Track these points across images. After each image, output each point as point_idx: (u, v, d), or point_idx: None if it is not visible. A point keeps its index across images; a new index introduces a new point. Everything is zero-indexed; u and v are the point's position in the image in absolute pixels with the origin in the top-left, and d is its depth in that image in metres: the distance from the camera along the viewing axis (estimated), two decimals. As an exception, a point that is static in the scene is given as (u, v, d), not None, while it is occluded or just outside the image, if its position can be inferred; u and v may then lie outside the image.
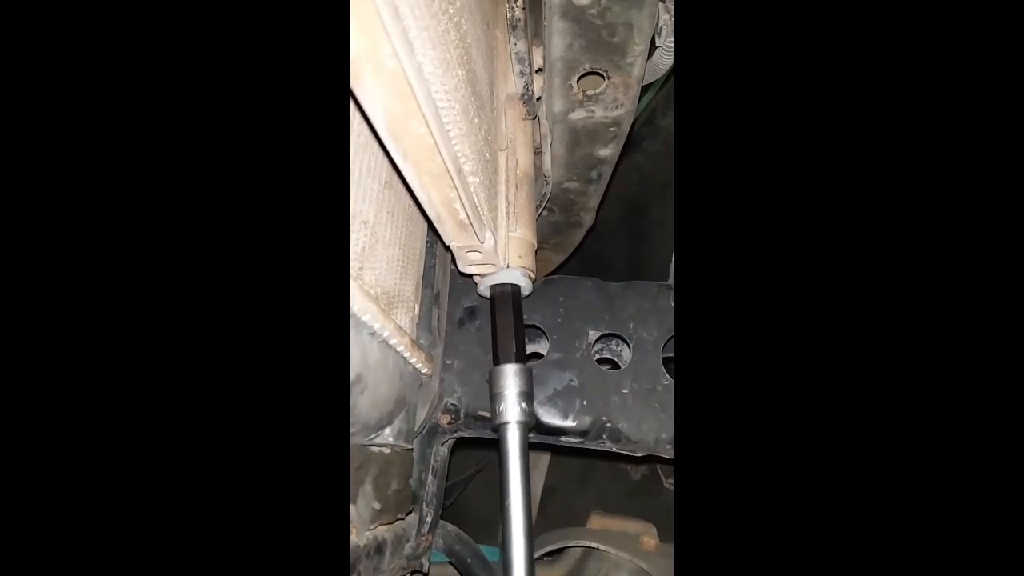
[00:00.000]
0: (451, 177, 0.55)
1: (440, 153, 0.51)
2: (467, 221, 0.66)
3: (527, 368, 0.82)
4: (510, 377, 0.80)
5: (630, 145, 2.40)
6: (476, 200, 0.65)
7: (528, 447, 0.80)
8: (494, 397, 0.81)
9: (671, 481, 1.83)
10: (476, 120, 0.63)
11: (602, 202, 1.28)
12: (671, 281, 1.05)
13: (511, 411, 0.79)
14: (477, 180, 0.64)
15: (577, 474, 2.14)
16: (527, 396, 0.81)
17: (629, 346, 0.95)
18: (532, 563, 0.73)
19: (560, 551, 1.25)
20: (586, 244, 1.65)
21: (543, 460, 2.16)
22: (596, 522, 1.25)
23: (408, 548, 0.90)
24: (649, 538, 1.16)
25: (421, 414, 0.87)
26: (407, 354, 0.77)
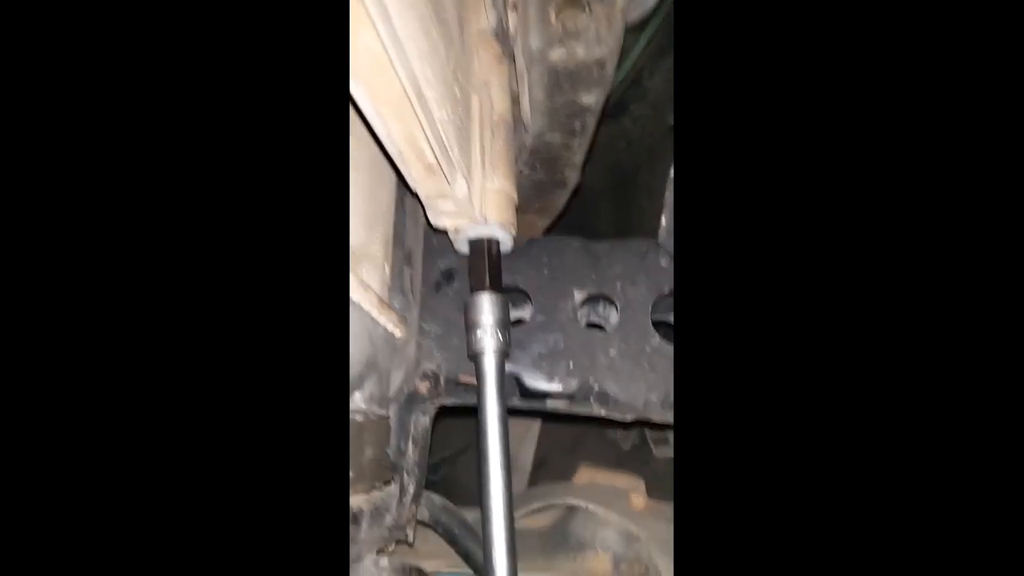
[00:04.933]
0: (411, 104, 0.49)
1: (396, 72, 0.44)
2: (435, 163, 0.60)
3: (503, 298, 0.78)
4: (486, 305, 0.77)
5: (616, 108, 2.32)
6: (444, 138, 0.59)
7: (504, 376, 0.77)
8: (470, 327, 0.77)
9: (660, 449, 1.81)
10: (441, 47, 0.57)
11: (587, 161, 1.22)
12: (660, 239, 1.00)
13: (487, 340, 0.75)
14: (445, 116, 0.58)
15: (567, 445, 2.12)
16: (504, 325, 0.77)
17: (616, 307, 0.90)
18: (510, 500, 0.71)
19: (545, 507, 1.22)
20: (572, 212, 1.59)
21: (533, 430, 2.13)
22: (583, 475, 1.22)
23: (389, 519, 0.86)
24: (638, 496, 1.13)
25: (396, 379, 0.82)
26: (376, 314, 0.72)
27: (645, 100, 2.05)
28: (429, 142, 0.56)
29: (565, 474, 1.57)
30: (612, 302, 0.91)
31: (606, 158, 2.16)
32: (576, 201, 1.54)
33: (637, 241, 0.93)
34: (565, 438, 2.12)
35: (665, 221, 1.03)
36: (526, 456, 2.12)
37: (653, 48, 1.82)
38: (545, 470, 2.06)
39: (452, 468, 2.00)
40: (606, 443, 2.05)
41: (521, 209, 1.28)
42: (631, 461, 1.94)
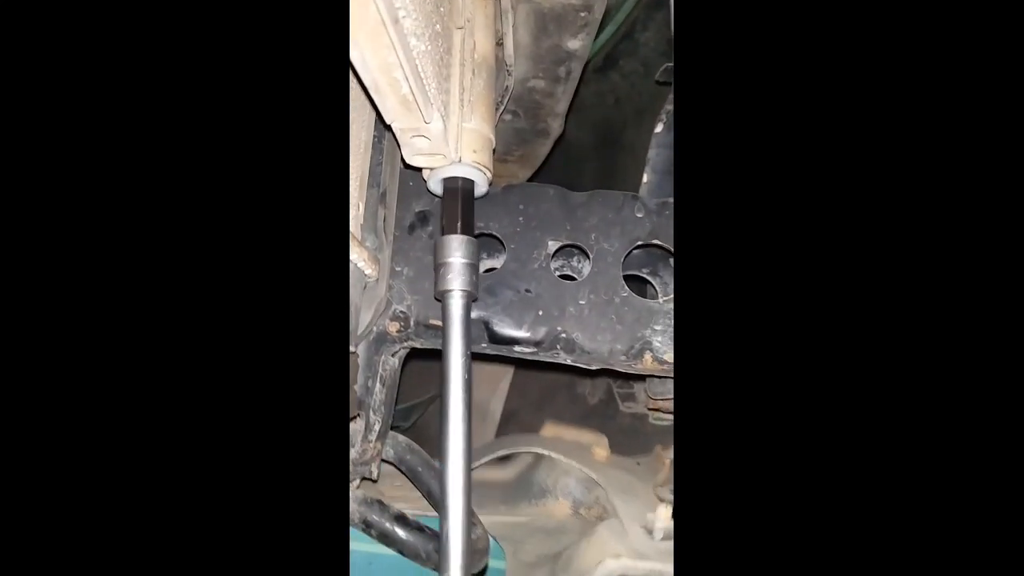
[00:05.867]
0: (387, 31, 0.48)
1: (370, -6, 0.43)
2: (410, 96, 0.59)
3: (474, 240, 0.79)
4: (455, 246, 0.77)
5: (606, 62, 2.28)
6: (421, 71, 0.57)
7: (469, 317, 0.78)
8: (438, 268, 0.78)
9: (627, 405, 1.86)
10: (421, -26, 0.55)
11: (571, 111, 1.20)
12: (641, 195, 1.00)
13: (455, 280, 0.76)
14: (423, 47, 0.56)
15: (535, 399, 2.16)
16: (472, 268, 0.78)
17: (589, 257, 0.91)
18: (469, 434, 0.73)
19: (511, 455, 1.26)
20: (556, 168, 1.58)
21: (503, 383, 2.16)
22: (549, 430, 1.26)
23: (354, 453, 0.88)
24: (600, 449, 1.17)
25: (365, 317, 0.83)
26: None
27: (636, 56, 2.01)
28: (405, 73, 0.55)
29: (533, 427, 1.61)
30: (585, 253, 0.91)
31: (593, 114, 2.13)
32: (560, 157, 1.52)
33: (615, 193, 0.93)
34: (534, 392, 2.15)
35: (647, 177, 1.03)
36: (495, 408, 2.16)
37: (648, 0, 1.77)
38: (514, 422, 2.11)
39: (424, 416, 2.03)
40: (574, 398, 2.09)
41: (501, 158, 1.27)
42: (597, 416, 1.99)
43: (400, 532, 0.86)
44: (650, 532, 0.84)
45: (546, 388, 2.12)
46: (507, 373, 2.17)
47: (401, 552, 0.87)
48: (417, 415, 1.94)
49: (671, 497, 0.89)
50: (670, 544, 0.82)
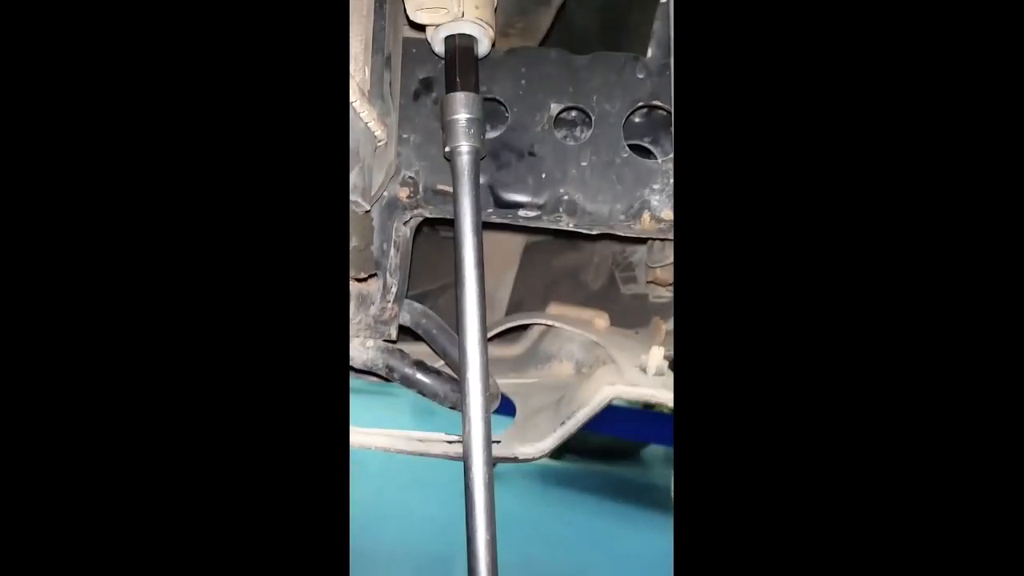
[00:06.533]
0: None
1: None
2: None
3: (479, 97, 0.81)
4: (461, 103, 0.80)
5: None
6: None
7: (478, 172, 0.81)
8: (446, 125, 0.81)
9: (628, 287, 1.94)
10: None
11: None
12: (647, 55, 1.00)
13: (463, 135, 0.79)
14: None
15: (540, 289, 2.24)
16: (479, 123, 0.81)
17: (591, 118, 0.93)
18: (482, 283, 0.79)
19: (520, 332, 1.35)
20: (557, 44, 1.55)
21: (509, 275, 2.23)
22: (554, 309, 1.34)
23: (374, 309, 0.95)
24: (601, 320, 1.25)
25: (378, 178, 0.87)
26: (357, 106, 0.74)
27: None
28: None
29: (538, 311, 1.70)
30: (587, 114, 0.94)
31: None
32: (565, 43, 1.49)
33: (617, 55, 0.94)
34: (539, 282, 2.23)
35: (651, 52, 1.03)
36: (502, 296, 2.25)
37: None
38: (520, 309, 2.20)
39: (435, 303, 2.11)
40: (578, 286, 2.17)
41: (503, 31, 1.25)
42: (600, 299, 2.08)
43: (420, 375, 0.95)
44: (644, 370, 0.93)
45: (551, 277, 2.20)
46: (513, 264, 2.24)
47: (422, 392, 0.96)
48: (429, 302, 2.03)
49: (666, 344, 0.97)
50: (662, 377, 0.90)
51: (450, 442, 1.01)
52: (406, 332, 1.05)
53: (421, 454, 1.00)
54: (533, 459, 0.97)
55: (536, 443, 0.96)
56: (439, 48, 0.84)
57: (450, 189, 0.87)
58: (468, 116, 0.79)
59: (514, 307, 2.28)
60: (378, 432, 1.02)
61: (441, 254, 1.66)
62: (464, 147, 0.80)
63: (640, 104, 0.93)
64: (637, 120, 1.01)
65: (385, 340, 1.05)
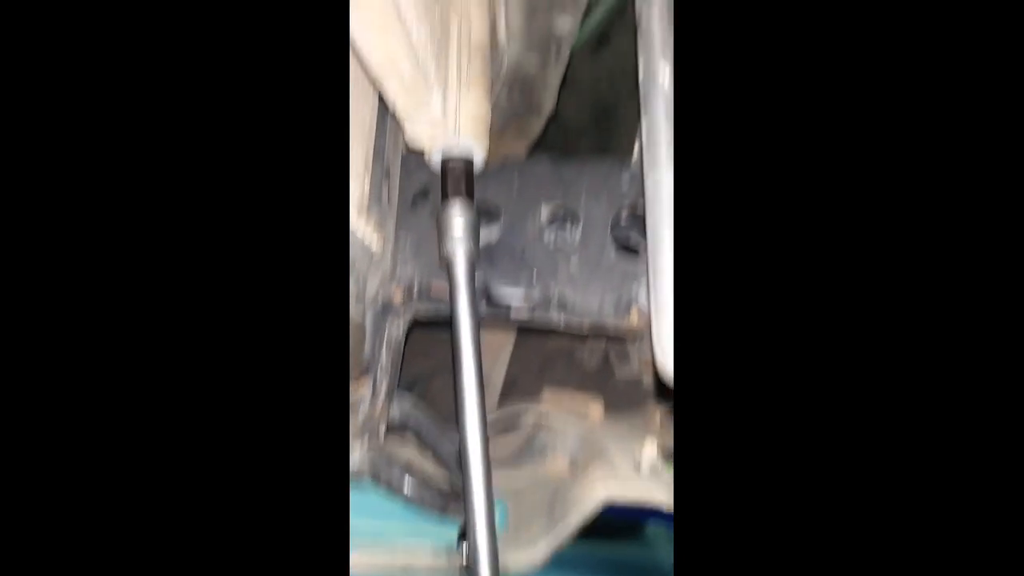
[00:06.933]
0: (392, 23, 0.54)
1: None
2: (411, 80, 0.65)
3: (474, 206, 0.86)
4: (456, 211, 0.84)
5: (600, 41, 2.31)
6: (422, 57, 0.64)
7: (474, 277, 0.85)
8: (441, 233, 0.85)
9: (621, 370, 1.94)
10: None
11: (563, 88, 1.26)
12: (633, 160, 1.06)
13: (458, 244, 0.83)
14: (423, 35, 0.62)
15: (535, 367, 2.24)
16: (474, 230, 0.85)
17: (579, 220, 0.98)
18: (481, 381, 0.79)
19: (514, 426, 1.34)
20: (553, 147, 1.63)
21: (504, 354, 2.24)
22: (548, 395, 1.34)
23: (362, 412, 0.96)
24: (595, 408, 1.25)
25: (371, 286, 0.90)
26: (354, 220, 0.78)
27: (628, 33, 2.04)
28: (407, 60, 0.61)
29: (533, 393, 1.70)
30: (576, 216, 0.98)
31: (588, 93, 2.17)
32: (558, 135, 1.58)
33: (604, 162, 1.00)
34: (534, 361, 2.24)
35: (638, 148, 1.09)
36: (498, 375, 2.25)
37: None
38: (515, 389, 2.19)
39: (426, 387, 2.11)
40: (572, 365, 2.18)
41: (498, 135, 1.32)
42: (594, 381, 2.08)
43: (405, 485, 0.95)
44: (638, 466, 0.93)
45: (545, 356, 2.21)
46: (507, 344, 2.25)
47: (408, 501, 0.95)
48: (420, 388, 2.02)
49: (658, 435, 0.97)
50: (657, 475, 0.90)
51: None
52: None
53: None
54: (523, 576, 0.94)
55: (527, 549, 0.95)
56: (436, 164, 0.89)
57: (445, 290, 0.90)
58: (464, 223, 0.83)
59: (509, 387, 2.27)
60: (363, 548, 1.00)
61: (433, 338, 1.67)
62: (460, 253, 0.83)
63: (625, 208, 0.98)
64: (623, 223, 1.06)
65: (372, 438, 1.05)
